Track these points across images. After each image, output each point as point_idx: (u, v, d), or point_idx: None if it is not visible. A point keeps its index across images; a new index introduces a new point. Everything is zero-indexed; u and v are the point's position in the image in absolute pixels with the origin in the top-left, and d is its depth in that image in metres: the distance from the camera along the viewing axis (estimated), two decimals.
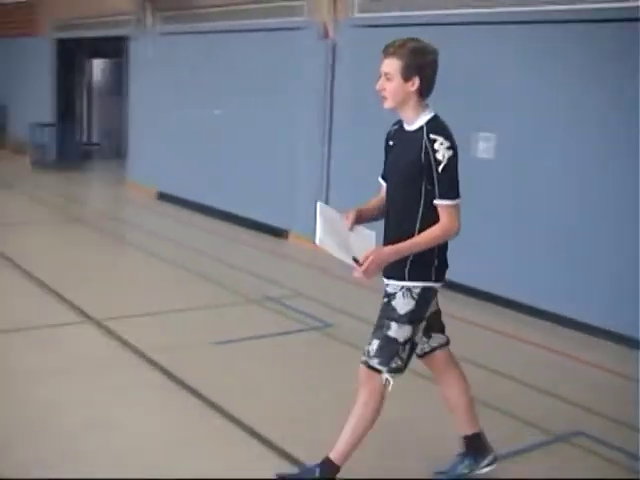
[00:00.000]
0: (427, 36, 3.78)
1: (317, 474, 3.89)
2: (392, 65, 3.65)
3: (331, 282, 8.24)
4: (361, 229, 3.83)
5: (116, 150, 18.09)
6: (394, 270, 3.74)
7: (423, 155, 3.60)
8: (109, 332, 6.32)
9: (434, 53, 3.68)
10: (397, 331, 3.76)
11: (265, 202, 10.68)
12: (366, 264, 3.59)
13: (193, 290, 7.87)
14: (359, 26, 9.12)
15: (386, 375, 3.78)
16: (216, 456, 4.32)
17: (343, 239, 3.75)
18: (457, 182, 3.65)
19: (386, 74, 3.68)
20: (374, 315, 3.84)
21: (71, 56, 17.88)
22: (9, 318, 6.66)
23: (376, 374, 3.79)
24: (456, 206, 3.65)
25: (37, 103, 17.84)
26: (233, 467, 4.19)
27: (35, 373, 5.39)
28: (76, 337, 6.28)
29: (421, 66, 3.63)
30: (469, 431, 4.15)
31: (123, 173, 14.80)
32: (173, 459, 4.24)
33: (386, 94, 3.71)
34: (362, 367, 3.83)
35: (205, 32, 11.79)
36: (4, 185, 14.23)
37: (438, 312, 4.05)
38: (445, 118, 3.72)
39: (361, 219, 3.88)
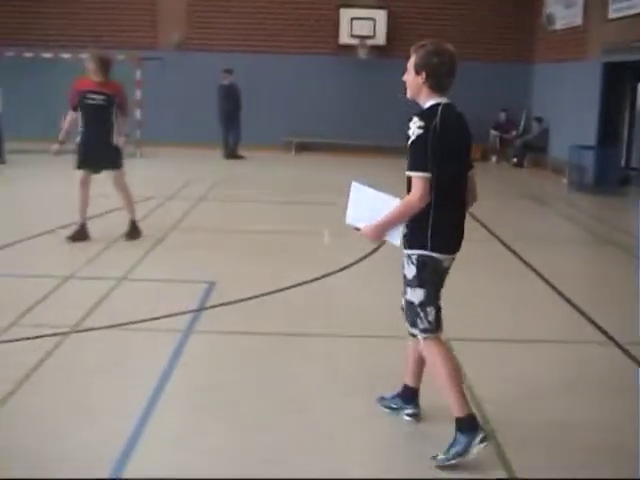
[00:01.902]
0: None
1: (460, 436, 4.31)
2: (411, 61, 4.40)
3: None
4: (388, 198, 4.39)
5: None
6: (403, 240, 4.40)
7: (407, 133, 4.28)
8: (630, 356, 6.22)
9: (445, 55, 4.33)
10: (411, 294, 4.44)
11: None
12: (361, 232, 4.46)
13: None
14: None
15: (420, 336, 4.46)
16: None
17: (374, 208, 4.37)
18: (424, 157, 4.19)
19: (407, 69, 4.43)
20: None
21: (617, 80, 17.77)
22: (524, 329, 6.95)
23: (416, 338, 4.53)
24: (420, 178, 4.20)
25: (579, 126, 18.08)
26: None
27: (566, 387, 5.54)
28: (598, 358, 6.30)
29: (428, 64, 4.31)
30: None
31: None
32: None
33: (407, 85, 4.45)
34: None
35: None
36: (542, 203, 14.72)
37: None
38: None
39: None
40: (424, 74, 4.32)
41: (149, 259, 9.01)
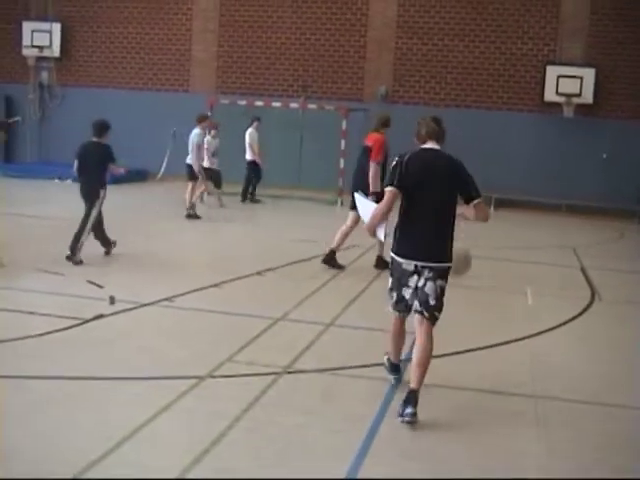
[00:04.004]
0: None
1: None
2: None
3: None
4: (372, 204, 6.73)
5: None
6: None
7: None
8: None
9: (421, 123, 6.42)
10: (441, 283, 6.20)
11: None
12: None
13: None
14: None
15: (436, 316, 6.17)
16: None
17: (368, 211, 6.39)
18: (393, 178, 6.04)
19: None
20: None
21: None
22: None
23: (426, 320, 6.17)
24: (388, 191, 6.08)
25: None
26: None
27: None
28: None
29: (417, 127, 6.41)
30: None
31: None
32: None
33: None
34: None
35: None
36: None
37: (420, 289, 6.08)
38: None
39: None
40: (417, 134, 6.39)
41: (354, 307, 9.26)
